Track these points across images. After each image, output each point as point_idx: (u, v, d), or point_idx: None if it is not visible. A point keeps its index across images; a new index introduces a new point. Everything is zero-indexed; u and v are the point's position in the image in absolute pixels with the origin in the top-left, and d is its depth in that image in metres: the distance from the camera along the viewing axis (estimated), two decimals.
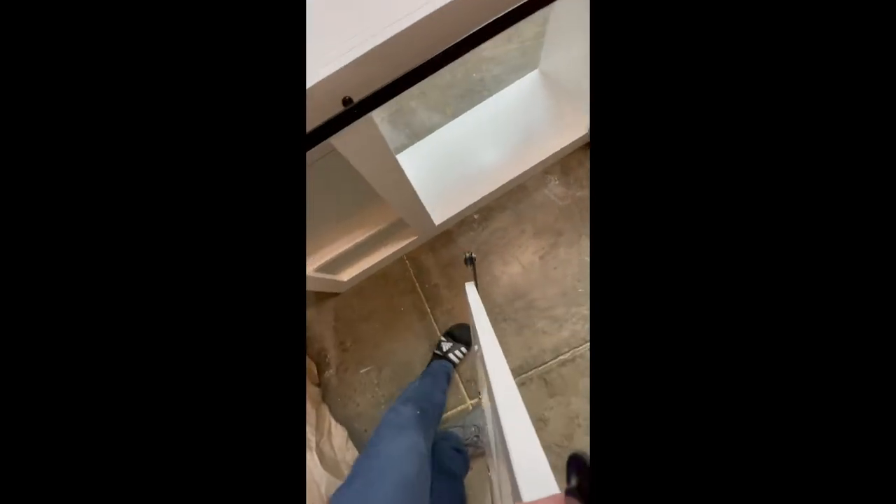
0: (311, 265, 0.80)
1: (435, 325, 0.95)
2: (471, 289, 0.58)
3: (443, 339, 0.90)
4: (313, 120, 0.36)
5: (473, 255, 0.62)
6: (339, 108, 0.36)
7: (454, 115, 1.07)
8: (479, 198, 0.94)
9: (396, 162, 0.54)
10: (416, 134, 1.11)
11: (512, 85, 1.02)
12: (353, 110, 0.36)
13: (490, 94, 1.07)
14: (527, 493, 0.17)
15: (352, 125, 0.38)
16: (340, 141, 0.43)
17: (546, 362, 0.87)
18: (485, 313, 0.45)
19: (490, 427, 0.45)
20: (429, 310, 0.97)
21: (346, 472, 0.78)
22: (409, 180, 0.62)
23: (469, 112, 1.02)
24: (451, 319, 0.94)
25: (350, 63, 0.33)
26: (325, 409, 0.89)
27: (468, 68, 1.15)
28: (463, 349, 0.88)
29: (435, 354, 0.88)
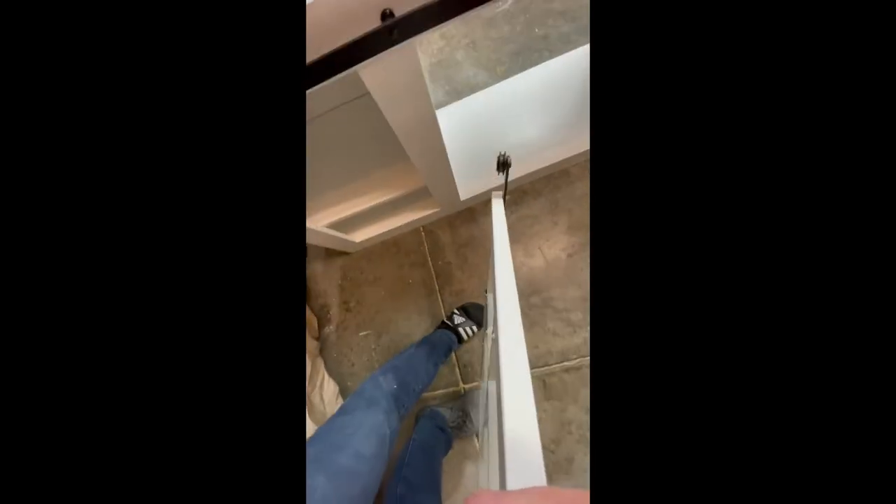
0: (323, 220, 0.75)
1: (441, 304, 0.91)
2: (497, 202, 0.47)
3: (456, 312, 0.85)
4: (340, 36, 0.28)
5: (509, 159, 0.47)
6: (376, 24, 0.27)
7: (504, 76, 0.93)
8: (514, 177, 0.84)
9: (434, 116, 0.45)
10: (458, 91, 0.98)
11: (579, 48, 0.85)
12: (394, 28, 0.28)
13: (551, 56, 0.91)
14: (513, 481, 0.17)
15: (389, 51, 0.30)
16: (371, 72, 0.34)
17: (549, 364, 0.83)
18: (507, 240, 0.37)
19: (486, 388, 0.44)
20: (437, 287, 0.92)
21: None
22: (443, 142, 0.53)
23: (522, 74, 0.87)
24: (458, 301, 0.90)
25: None
26: (320, 363, 0.90)
27: (530, 20, 0.98)
28: (474, 327, 0.84)
29: (444, 324, 0.85)
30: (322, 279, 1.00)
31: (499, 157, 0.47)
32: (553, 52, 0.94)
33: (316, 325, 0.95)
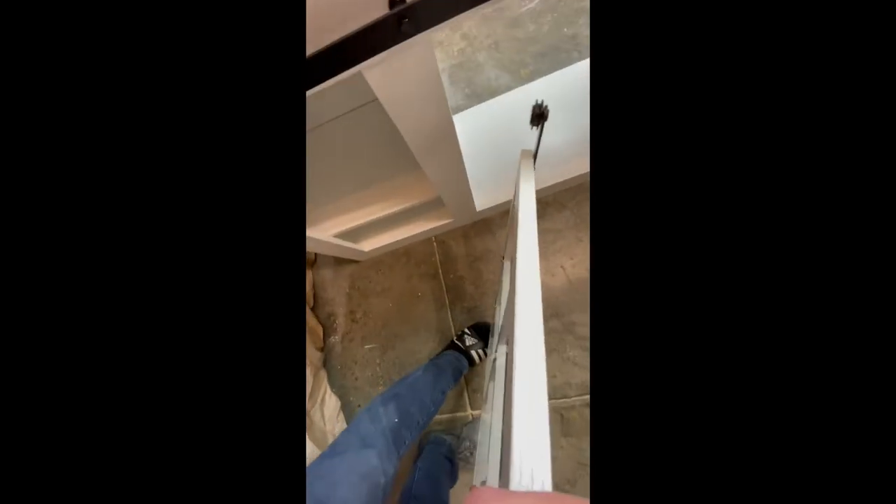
0: (331, 230, 0.72)
1: (451, 321, 0.86)
2: (526, 162, 0.38)
3: (467, 332, 0.79)
4: (341, 27, 0.23)
5: (547, 110, 0.36)
6: (384, 11, 0.23)
7: (529, 79, 0.87)
8: (536, 187, 0.77)
9: (452, 124, 0.40)
10: (478, 95, 0.92)
11: None
12: (403, 17, 0.22)
13: (580, 58, 0.84)
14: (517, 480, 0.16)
15: (399, 47, 0.25)
16: (378, 73, 0.29)
17: (569, 397, 0.75)
18: (534, 210, 0.30)
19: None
20: (447, 302, 0.86)
21: None
22: (460, 151, 0.47)
23: (549, 76, 0.81)
24: (469, 320, 0.84)
25: None
26: (322, 376, 0.87)
27: (559, 18, 0.91)
28: (486, 350, 0.78)
29: (454, 345, 0.78)
30: (330, 286, 0.96)
31: (535, 107, 0.36)
32: (582, 54, 0.87)
33: (321, 334, 0.92)
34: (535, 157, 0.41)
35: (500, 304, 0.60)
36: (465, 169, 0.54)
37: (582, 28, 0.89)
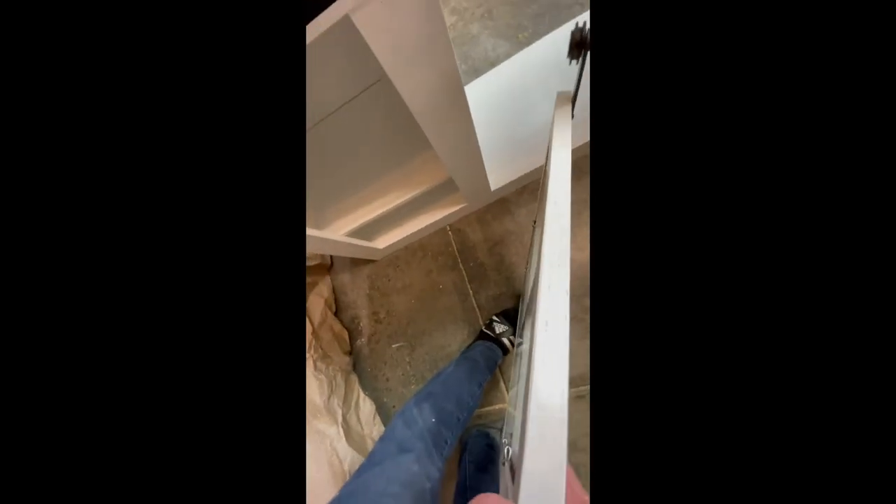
0: (343, 228, 0.69)
1: (478, 311, 0.82)
2: (563, 108, 0.30)
3: (496, 318, 0.74)
4: None
5: (588, 36, 0.28)
6: None
7: (529, 42, 0.80)
8: None
9: (461, 85, 0.35)
10: (477, 70, 0.87)
11: None
12: None
13: (583, 10, 0.77)
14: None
15: None
16: (371, 13, 0.25)
17: None
18: (569, 157, 0.25)
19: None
20: (471, 292, 0.83)
21: (370, 447, 0.74)
22: (472, 120, 0.43)
23: (551, 34, 0.74)
24: (497, 307, 0.80)
25: None
26: (354, 380, 0.86)
27: None
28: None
29: (483, 334, 0.74)
30: (350, 290, 0.95)
31: (574, 32, 0.27)
32: (584, 6, 0.79)
33: (347, 338, 0.91)
34: (574, 99, 0.32)
35: (528, 280, 0.56)
36: (477, 143, 0.49)
37: None
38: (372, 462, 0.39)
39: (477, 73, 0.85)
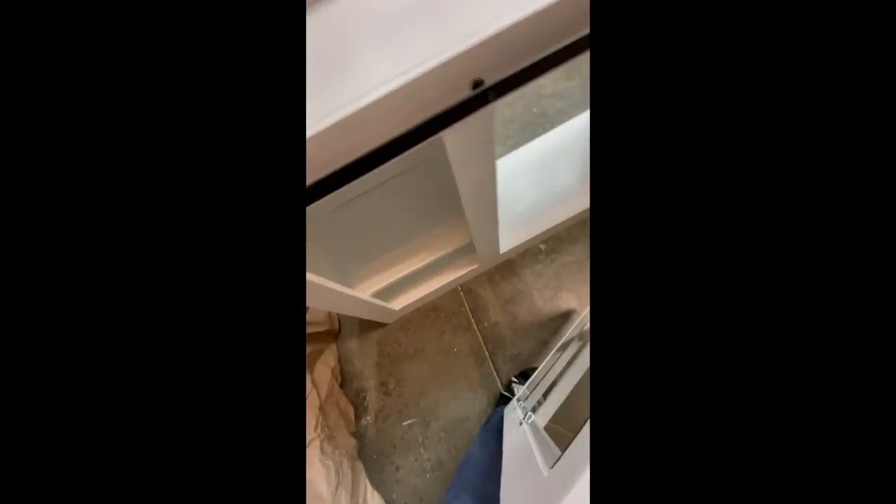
0: (369, 289, 0.72)
1: (496, 374, 0.80)
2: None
3: (515, 380, 0.74)
4: (436, 105, 0.32)
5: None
6: (468, 92, 0.31)
7: (515, 147, 1.05)
8: (550, 226, 0.85)
9: (494, 166, 0.48)
10: None
11: (582, 115, 0.98)
12: (485, 94, 0.31)
13: (553, 127, 1.04)
14: None
15: (474, 115, 0.33)
16: (455, 133, 0.37)
17: None
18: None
19: None
20: (487, 354, 0.82)
21: None
22: (496, 191, 0.55)
23: (536, 141, 0.98)
24: (515, 368, 0.79)
25: (485, 40, 0.28)
26: (360, 468, 0.73)
27: (527, 103, 1.16)
28: None
29: (504, 399, 0.71)
30: (357, 358, 0.90)
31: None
32: (554, 124, 1.08)
33: (352, 415, 0.82)
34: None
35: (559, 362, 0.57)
36: (497, 210, 0.61)
37: (547, 107, 1.13)
38: None
39: None
